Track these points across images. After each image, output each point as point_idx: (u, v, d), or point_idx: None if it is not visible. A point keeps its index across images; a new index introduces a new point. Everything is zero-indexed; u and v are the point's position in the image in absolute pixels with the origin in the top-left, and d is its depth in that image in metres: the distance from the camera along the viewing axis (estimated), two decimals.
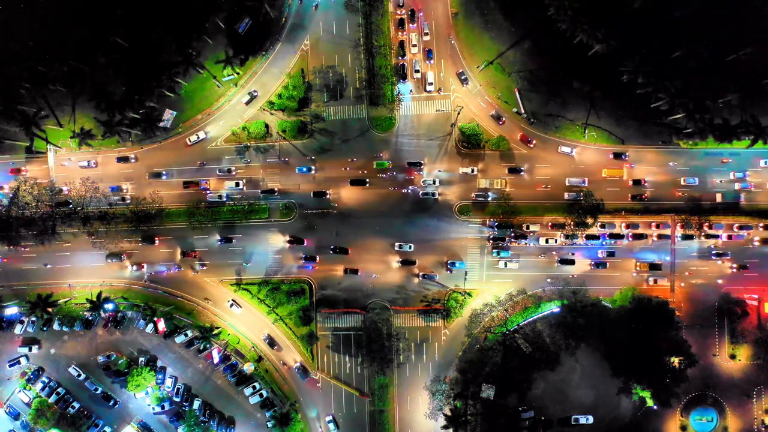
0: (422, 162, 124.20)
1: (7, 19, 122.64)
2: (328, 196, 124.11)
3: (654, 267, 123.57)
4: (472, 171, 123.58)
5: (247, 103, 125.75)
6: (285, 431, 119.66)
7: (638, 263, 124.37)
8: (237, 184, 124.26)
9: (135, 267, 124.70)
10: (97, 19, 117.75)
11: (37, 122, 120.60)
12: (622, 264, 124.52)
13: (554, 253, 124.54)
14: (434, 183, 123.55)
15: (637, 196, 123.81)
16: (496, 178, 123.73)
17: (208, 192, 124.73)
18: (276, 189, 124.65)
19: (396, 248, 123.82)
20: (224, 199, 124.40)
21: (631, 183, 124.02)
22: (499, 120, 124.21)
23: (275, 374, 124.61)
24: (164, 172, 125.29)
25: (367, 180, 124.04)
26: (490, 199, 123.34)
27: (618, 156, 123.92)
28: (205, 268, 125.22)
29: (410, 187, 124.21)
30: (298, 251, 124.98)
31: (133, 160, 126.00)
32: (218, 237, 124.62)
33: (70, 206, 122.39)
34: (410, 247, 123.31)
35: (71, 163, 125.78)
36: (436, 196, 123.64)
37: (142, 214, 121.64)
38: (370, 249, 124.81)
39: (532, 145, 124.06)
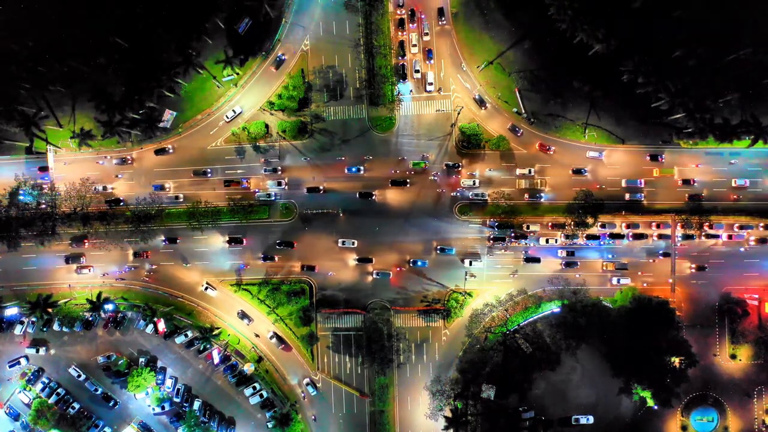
0: (460, 164, 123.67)
1: (7, 19, 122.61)
2: (373, 197, 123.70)
3: (621, 267, 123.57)
4: (529, 172, 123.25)
5: (277, 68, 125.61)
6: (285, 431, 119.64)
7: (605, 263, 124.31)
8: (279, 183, 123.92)
9: (83, 270, 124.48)
10: (97, 19, 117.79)
11: (37, 123, 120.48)
12: (589, 264, 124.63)
13: (503, 251, 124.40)
14: (474, 184, 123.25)
15: (695, 196, 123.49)
16: (537, 178, 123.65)
17: (256, 191, 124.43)
18: (321, 188, 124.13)
19: (339, 244, 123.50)
20: (273, 198, 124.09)
21: (681, 183, 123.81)
22: (517, 132, 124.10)
23: (275, 375, 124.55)
24: (209, 170, 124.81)
25: (408, 181, 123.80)
26: (543, 199, 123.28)
27: (654, 158, 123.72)
28: (155, 267, 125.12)
29: (459, 189, 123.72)
30: (246, 252, 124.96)
31: (170, 151, 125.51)
32: (163, 237, 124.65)
33: (122, 204, 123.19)
34: (353, 243, 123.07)
35: (107, 162, 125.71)
36: (486, 197, 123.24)
37: (142, 215, 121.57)
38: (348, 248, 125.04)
39: (551, 152, 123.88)
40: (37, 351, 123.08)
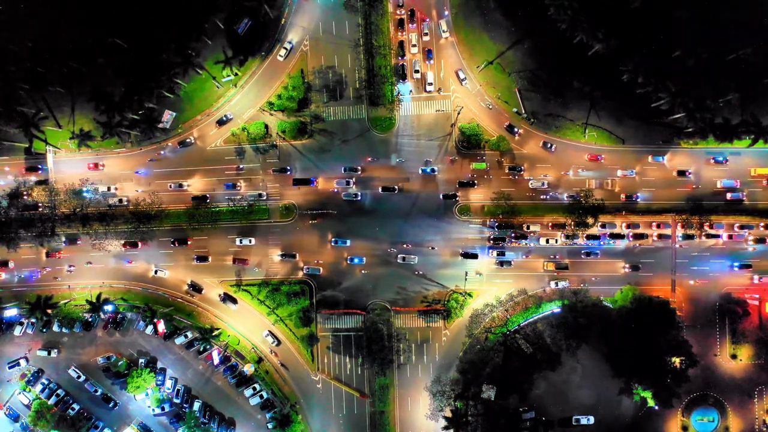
0: (522, 167, 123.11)
1: (6, 20, 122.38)
2: (457, 199, 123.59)
3: (561, 267, 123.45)
4: (631, 173, 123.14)
5: None
6: None
7: (546, 262, 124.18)
8: (347, 183, 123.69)
9: None
10: (97, 19, 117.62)
11: (37, 123, 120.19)
12: (528, 263, 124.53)
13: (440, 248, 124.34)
14: (543, 185, 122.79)
15: None
16: (606, 179, 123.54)
17: (334, 190, 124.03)
18: (397, 187, 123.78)
19: (238, 243, 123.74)
20: (359, 198, 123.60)
21: (765, 183, 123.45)
22: (550, 147, 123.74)
23: (275, 375, 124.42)
24: (288, 168, 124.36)
25: (476, 182, 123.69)
26: (640, 200, 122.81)
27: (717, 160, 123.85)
28: (74, 268, 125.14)
29: (549, 193, 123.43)
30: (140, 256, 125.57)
31: (231, 117, 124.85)
32: (64, 239, 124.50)
33: (208, 200, 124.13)
34: (250, 241, 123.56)
35: (168, 151, 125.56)
36: (579, 198, 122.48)
37: (142, 215, 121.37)
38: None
39: (602, 160, 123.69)
40: (49, 353, 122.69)
